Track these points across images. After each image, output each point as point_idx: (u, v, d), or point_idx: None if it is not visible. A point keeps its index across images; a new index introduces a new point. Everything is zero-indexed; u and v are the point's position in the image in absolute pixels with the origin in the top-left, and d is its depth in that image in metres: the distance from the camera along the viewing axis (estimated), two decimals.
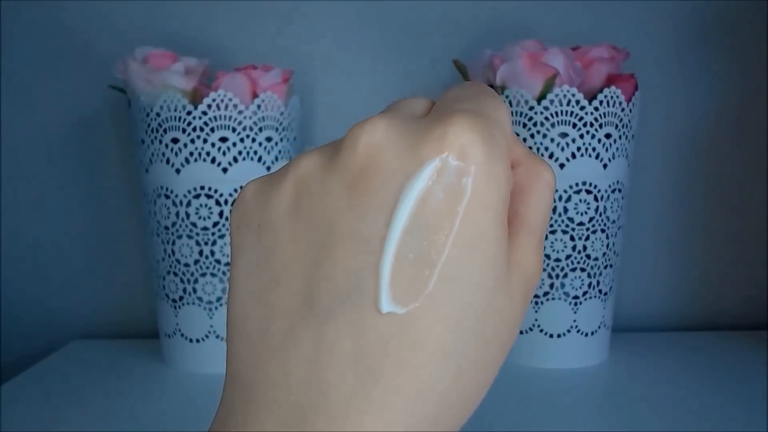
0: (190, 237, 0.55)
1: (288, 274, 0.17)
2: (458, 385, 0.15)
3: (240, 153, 0.55)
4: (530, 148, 0.53)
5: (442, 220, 0.15)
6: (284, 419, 0.15)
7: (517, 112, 0.53)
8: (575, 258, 0.54)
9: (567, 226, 0.54)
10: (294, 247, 0.17)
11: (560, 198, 0.53)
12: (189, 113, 0.53)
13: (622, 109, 0.53)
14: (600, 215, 0.54)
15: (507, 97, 0.53)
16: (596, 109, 0.52)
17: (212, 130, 0.54)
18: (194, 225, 0.55)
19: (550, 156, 0.53)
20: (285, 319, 0.16)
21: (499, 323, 0.16)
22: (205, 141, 0.54)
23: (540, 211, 0.18)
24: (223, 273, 0.56)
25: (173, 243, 0.56)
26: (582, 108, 0.52)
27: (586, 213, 0.54)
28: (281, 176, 0.18)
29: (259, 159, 0.56)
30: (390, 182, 0.16)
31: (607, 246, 0.55)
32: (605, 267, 0.56)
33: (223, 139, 0.54)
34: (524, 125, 0.53)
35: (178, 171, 0.54)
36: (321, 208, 0.17)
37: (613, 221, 0.55)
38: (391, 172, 0.16)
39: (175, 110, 0.53)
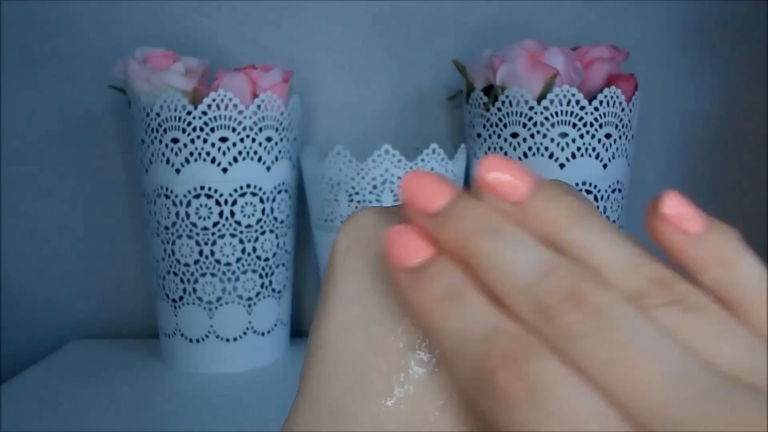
0: (190, 237, 0.55)
1: (400, 313, 0.17)
2: None
3: (240, 153, 0.55)
4: (530, 148, 0.53)
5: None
6: None
7: (517, 112, 0.53)
8: None
9: None
10: None
11: None
12: (189, 113, 0.53)
13: (622, 109, 0.53)
14: (600, 215, 0.54)
15: (507, 97, 0.53)
16: (596, 109, 0.52)
17: (212, 130, 0.54)
18: (194, 225, 0.55)
19: (550, 156, 0.53)
20: (391, 356, 0.16)
21: None
22: (205, 141, 0.54)
23: None
24: (223, 273, 0.56)
25: (173, 243, 0.56)
26: (582, 108, 0.52)
27: None
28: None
29: (259, 159, 0.56)
30: None
31: None
32: None
33: (223, 139, 0.54)
34: (524, 125, 0.53)
35: (178, 171, 0.54)
36: None
37: (613, 221, 0.55)
38: None
39: (175, 110, 0.53)
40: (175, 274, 0.56)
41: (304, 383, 0.18)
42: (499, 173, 0.16)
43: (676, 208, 0.15)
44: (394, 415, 0.16)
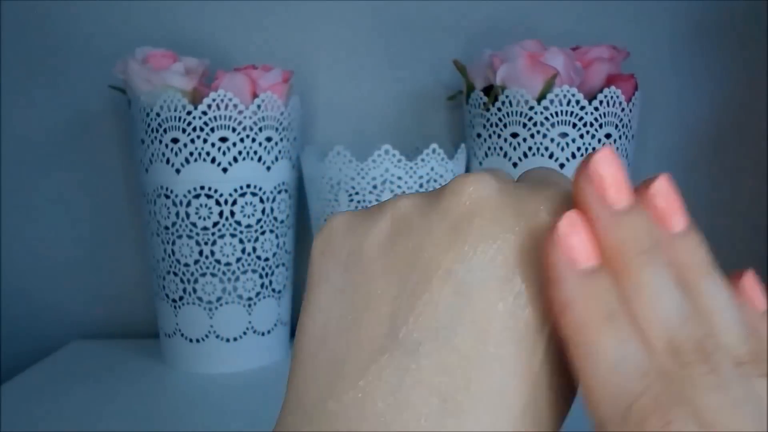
0: (190, 237, 0.55)
1: (375, 306, 0.17)
2: (537, 415, 0.16)
3: (240, 153, 0.55)
4: (530, 148, 0.53)
5: (528, 270, 0.17)
6: None
7: (517, 112, 0.53)
8: None
9: None
10: (384, 280, 0.17)
11: None
12: (189, 113, 0.53)
13: (622, 109, 0.53)
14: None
15: (507, 97, 0.53)
16: (596, 109, 0.52)
17: (212, 130, 0.54)
18: (194, 225, 0.55)
19: (550, 156, 0.53)
20: (367, 350, 0.17)
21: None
22: (205, 141, 0.54)
23: None
24: (223, 273, 0.56)
25: (173, 243, 0.56)
26: (582, 108, 0.52)
27: None
28: (378, 211, 0.19)
29: (259, 159, 0.56)
30: (492, 234, 0.17)
31: None
32: None
33: (223, 139, 0.54)
34: (524, 125, 0.53)
35: (178, 171, 0.54)
36: (419, 246, 0.17)
37: None
38: (494, 225, 0.17)
39: (175, 110, 0.53)
40: (175, 274, 0.56)
41: (287, 388, 0.18)
42: (668, 199, 0.17)
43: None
44: (364, 414, 0.16)
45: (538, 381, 0.16)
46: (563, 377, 0.17)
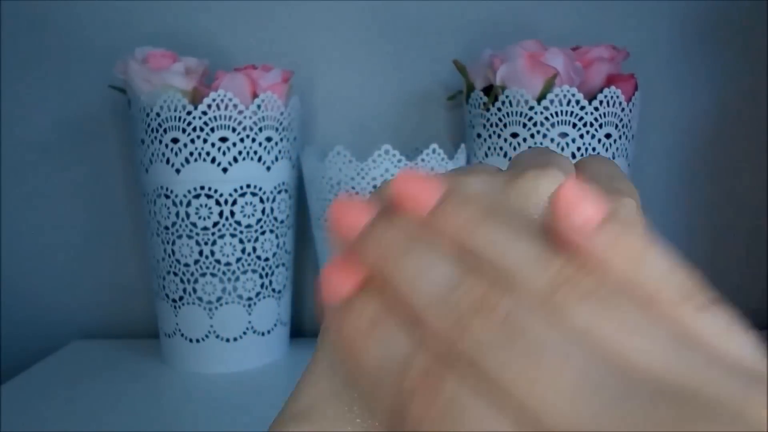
0: (190, 237, 0.55)
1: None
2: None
3: (240, 153, 0.55)
4: (530, 148, 0.53)
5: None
6: None
7: (517, 112, 0.53)
8: None
9: None
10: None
11: None
12: (189, 113, 0.53)
13: (622, 109, 0.53)
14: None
15: (507, 97, 0.53)
16: (596, 109, 0.52)
17: (212, 130, 0.54)
18: (194, 225, 0.55)
19: None
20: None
21: None
22: (205, 141, 0.54)
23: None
24: (223, 273, 0.56)
25: (173, 243, 0.56)
26: (582, 108, 0.52)
27: None
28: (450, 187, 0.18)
29: (259, 159, 0.56)
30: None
31: None
32: None
33: (223, 139, 0.54)
34: (524, 125, 0.53)
35: (178, 171, 0.54)
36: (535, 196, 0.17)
37: None
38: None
39: (175, 110, 0.53)
40: (175, 274, 0.56)
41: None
42: (404, 188, 0.16)
43: (572, 202, 0.14)
44: None
45: None
46: None
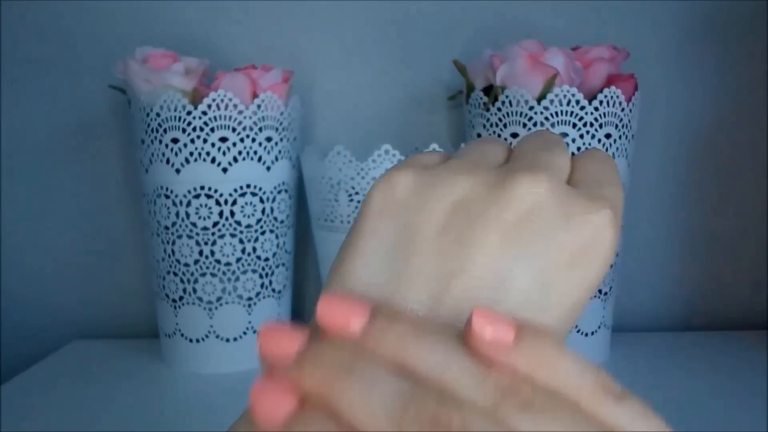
0: (190, 237, 0.55)
1: (416, 281, 0.18)
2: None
3: (240, 153, 0.55)
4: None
5: (565, 274, 0.19)
6: None
7: (517, 112, 0.53)
8: None
9: None
10: (437, 250, 0.19)
11: None
12: (189, 113, 0.53)
13: (622, 109, 0.53)
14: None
15: (507, 97, 0.53)
16: (596, 109, 0.52)
17: (212, 130, 0.54)
18: (194, 225, 0.55)
19: None
20: (409, 303, 0.18)
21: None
22: (205, 141, 0.54)
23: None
24: (223, 273, 0.56)
25: (173, 243, 0.56)
26: (582, 108, 0.52)
27: None
28: (440, 184, 0.20)
29: (259, 159, 0.56)
30: (541, 236, 0.19)
31: None
32: None
33: (223, 139, 0.54)
34: (524, 125, 0.53)
35: (178, 171, 0.54)
36: (477, 234, 0.19)
37: None
38: (545, 229, 0.19)
39: (175, 110, 0.53)
40: (175, 274, 0.56)
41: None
42: (331, 312, 0.16)
43: (484, 326, 0.15)
44: None
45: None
46: None
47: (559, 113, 0.52)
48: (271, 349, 0.16)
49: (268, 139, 0.56)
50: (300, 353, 0.16)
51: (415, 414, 0.14)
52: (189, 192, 0.54)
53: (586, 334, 0.55)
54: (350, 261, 0.20)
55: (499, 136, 0.54)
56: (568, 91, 0.51)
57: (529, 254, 0.18)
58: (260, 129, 0.55)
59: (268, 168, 0.56)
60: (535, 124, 0.53)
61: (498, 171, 0.20)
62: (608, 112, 0.53)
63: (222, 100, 0.53)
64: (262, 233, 0.57)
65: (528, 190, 0.19)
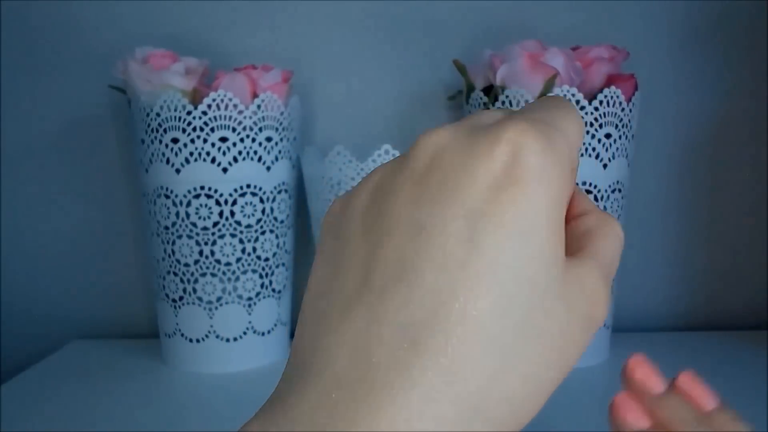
0: (190, 237, 0.55)
1: (352, 261, 0.19)
2: (503, 374, 0.16)
3: (240, 153, 0.55)
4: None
5: (489, 207, 0.17)
6: (329, 387, 0.16)
7: None
8: None
9: None
10: (362, 239, 0.19)
11: None
12: (189, 113, 0.53)
13: (622, 109, 0.53)
14: None
15: (507, 97, 0.53)
16: (596, 109, 0.52)
17: (212, 130, 0.54)
18: (194, 225, 0.55)
19: None
20: (344, 299, 0.18)
21: (551, 325, 0.17)
22: (205, 141, 0.54)
23: (609, 253, 0.19)
24: (223, 273, 0.56)
25: (173, 243, 0.56)
26: (582, 108, 0.52)
27: None
28: (360, 185, 0.20)
29: (259, 159, 0.56)
30: (449, 178, 0.18)
31: None
32: None
33: (223, 139, 0.54)
34: None
35: (178, 171, 0.54)
36: (389, 204, 0.19)
37: None
38: (451, 170, 0.18)
39: (175, 110, 0.53)
40: (175, 274, 0.56)
41: (291, 347, 0.20)
42: (693, 386, 0.24)
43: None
44: None
45: None
46: None
47: None
48: (641, 379, 0.25)
49: (268, 139, 0.56)
50: (666, 394, 0.24)
51: None
52: (189, 192, 0.54)
53: None
54: (308, 284, 0.21)
55: None
56: (568, 91, 0.51)
57: (445, 197, 0.17)
58: (260, 129, 0.55)
59: (268, 168, 0.56)
60: None
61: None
62: (608, 112, 0.53)
63: (222, 100, 0.53)
64: (262, 233, 0.57)
65: (429, 139, 0.19)
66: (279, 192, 0.58)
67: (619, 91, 0.53)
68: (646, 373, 0.25)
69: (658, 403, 0.24)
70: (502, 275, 0.16)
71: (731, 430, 0.23)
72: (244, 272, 0.56)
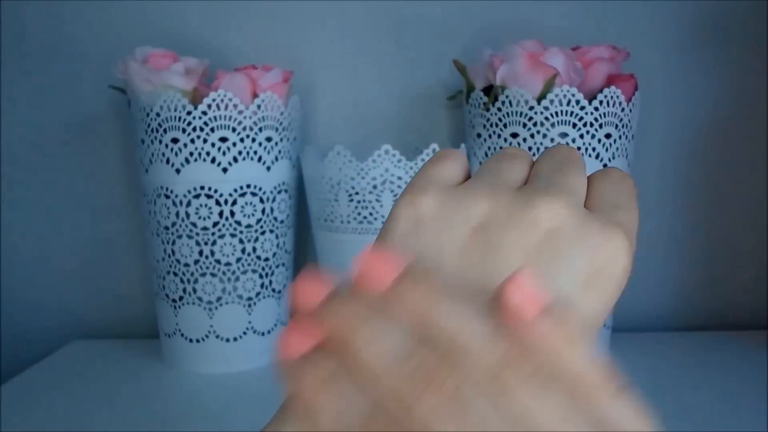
0: (190, 237, 0.55)
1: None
2: None
3: (240, 153, 0.55)
4: (530, 148, 0.53)
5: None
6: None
7: (517, 112, 0.53)
8: None
9: None
10: (459, 279, 0.19)
11: None
12: (189, 113, 0.53)
13: (622, 109, 0.53)
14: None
15: (507, 97, 0.53)
16: (596, 109, 0.52)
17: (212, 130, 0.54)
18: (194, 225, 0.55)
19: None
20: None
21: None
22: (205, 141, 0.54)
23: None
24: (223, 273, 0.56)
25: (173, 243, 0.56)
26: (582, 108, 0.52)
27: None
28: (462, 210, 0.20)
29: (259, 159, 0.56)
30: (565, 258, 0.19)
31: None
32: None
33: (223, 139, 0.54)
34: (524, 125, 0.53)
35: (178, 171, 0.54)
36: (495, 255, 0.19)
37: None
38: (567, 252, 0.19)
39: (175, 110, 0.53)
40: (175, 274, 0.56)
41: None
42: (365, 266, 0.17)
43: (515, 291, 0.17)
44: None
45: None
46: None
47: (559, 113, 0.52)
48: (301, 298, 0.18)
49: (268, 139, 0.56)
50: (325, 302, 0.17)
51: (412, 370, 0.15)
52: (189, 192, 0.54)
53: None
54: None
55: (499, 136, 0.54)
56: (568, 91, 0.51)
57: (549, 277, 0.19)
58: (260, 129, 0.55)
59: (268, 168, 0.56)
60: (535, 124, 0.53)
61: (518, 193, 0.21)
62: (608, 112, 0.53)
63: (222, 100, 0.53)
64: (262, 233, 0.57)
65: (547, 215, 0.19)
66: (279, 192, 0.58)
67: (619, 91, 0.53)
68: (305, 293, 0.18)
69: (322, 315, 0.17)
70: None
71: (412, 301, 0.17)
72: (244, 272, 0.56)
